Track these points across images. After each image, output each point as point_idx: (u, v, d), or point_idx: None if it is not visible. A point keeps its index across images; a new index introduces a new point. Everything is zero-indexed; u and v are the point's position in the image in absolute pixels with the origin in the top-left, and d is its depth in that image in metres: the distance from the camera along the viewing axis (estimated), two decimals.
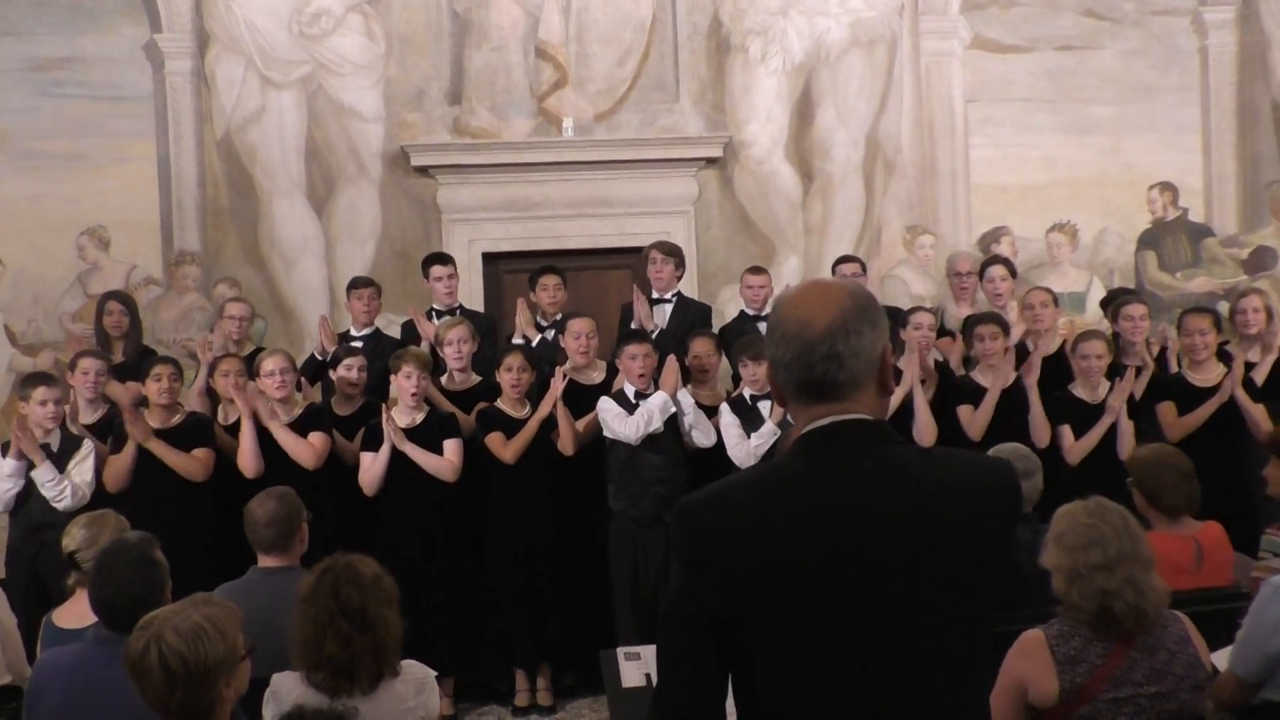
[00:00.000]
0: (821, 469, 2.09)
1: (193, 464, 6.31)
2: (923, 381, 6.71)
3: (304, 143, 8.93)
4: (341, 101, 8.93)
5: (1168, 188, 9.39)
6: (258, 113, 8.88)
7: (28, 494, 6.26)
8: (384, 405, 6.43)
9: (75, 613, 4.25)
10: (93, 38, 8.75)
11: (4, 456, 6.26)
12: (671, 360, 6.58)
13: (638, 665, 4.11)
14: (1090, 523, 3.54)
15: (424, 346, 7.08)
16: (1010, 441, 5.43)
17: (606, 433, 6.47)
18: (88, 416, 6.62)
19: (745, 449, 6.33)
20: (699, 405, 6.59)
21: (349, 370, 6.72)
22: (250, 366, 6.76)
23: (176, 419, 6.44)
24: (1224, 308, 7.21)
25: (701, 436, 6.52)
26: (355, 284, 7.72)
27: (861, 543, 2.03)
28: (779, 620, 2.03)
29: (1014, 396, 6.60)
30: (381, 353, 7.31)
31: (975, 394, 6.68)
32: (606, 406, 6.46)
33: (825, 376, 2.10)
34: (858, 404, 2.13)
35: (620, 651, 4.01)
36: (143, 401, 6.46)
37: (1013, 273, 7.79)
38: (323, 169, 8.95)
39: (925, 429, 6.51)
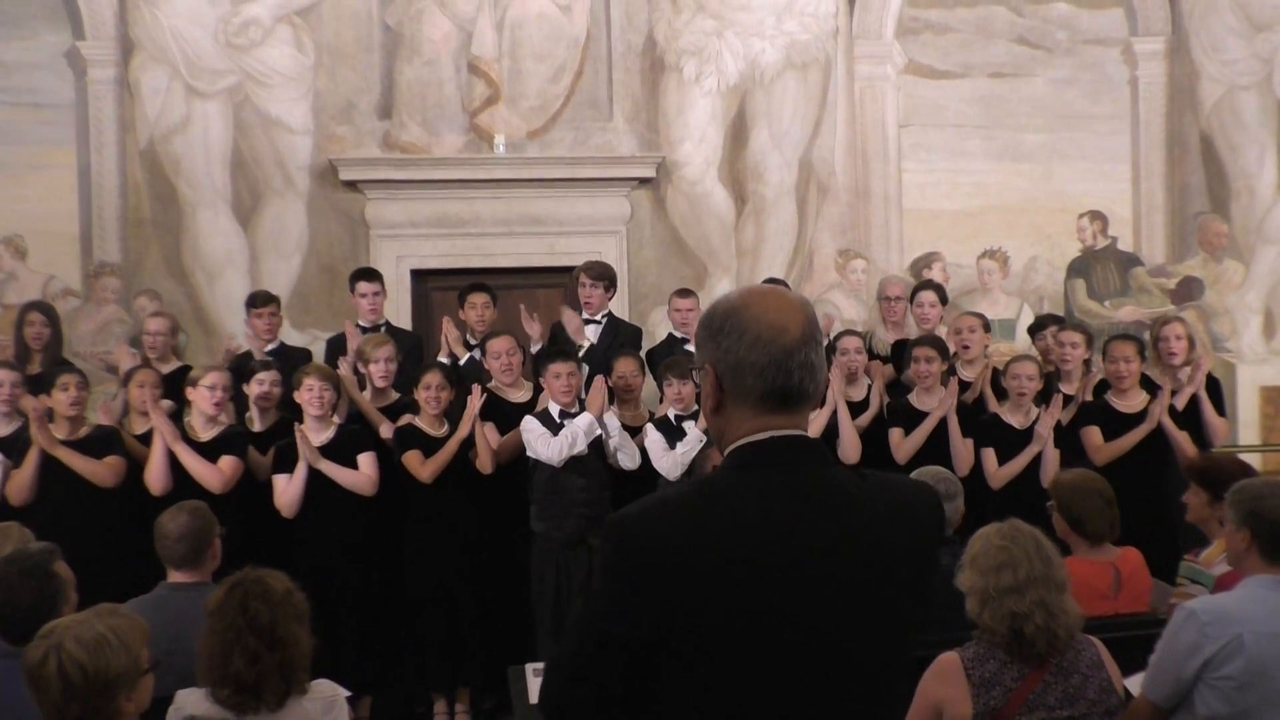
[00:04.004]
0: (758, 487, 2.07)
1: (103, 469, 6.21)
2: (852, 401, 6.81)
3: (230, 154, 8.88)
4: (269, 113, 8.90)
5: (1097, 216, 9.53)
6: (182, 123, 8.82)
7: None
8: (296, 424, 6.38)
9: None
10: (13, 44, 8.67)
11: None
12: (599, 380, 6.58)
13: None
14: (1003, 545, 3.58)
15: (349, 361, 7.07)
16: (935, 465, 5.50)
17: (530, 453, 6.47)
18: (1, 429, 6.53)
19: (671, 459, 6.36)
20: (623, 426, 6.61)
21: (262, 385, 6.66)
22: (179, 382, 6.73)
23: (84, 430, 6.36)
24: (1146, 336, 7.29)
25: (627, 459, 6.53)
26: (255, 300, 7.64)
27: (795, 563, 2.02)
28: (705, 641, 2.01)
29: (941, 421, 6.67)
30: (291, 367, 7.29)
31: (910, 417, 6.75)
32: (530, 426, 6.45)
33: (800, 386, 2.09)
34: (805, 419, 2.15)
35: (530, 667, 3.99)
36: (50, 413, 6.38)
37: (943, 299, 7.85)
38: (249, 181, 8.90)
39: (850, 448, 6.58)
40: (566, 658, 2.15)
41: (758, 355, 2.08)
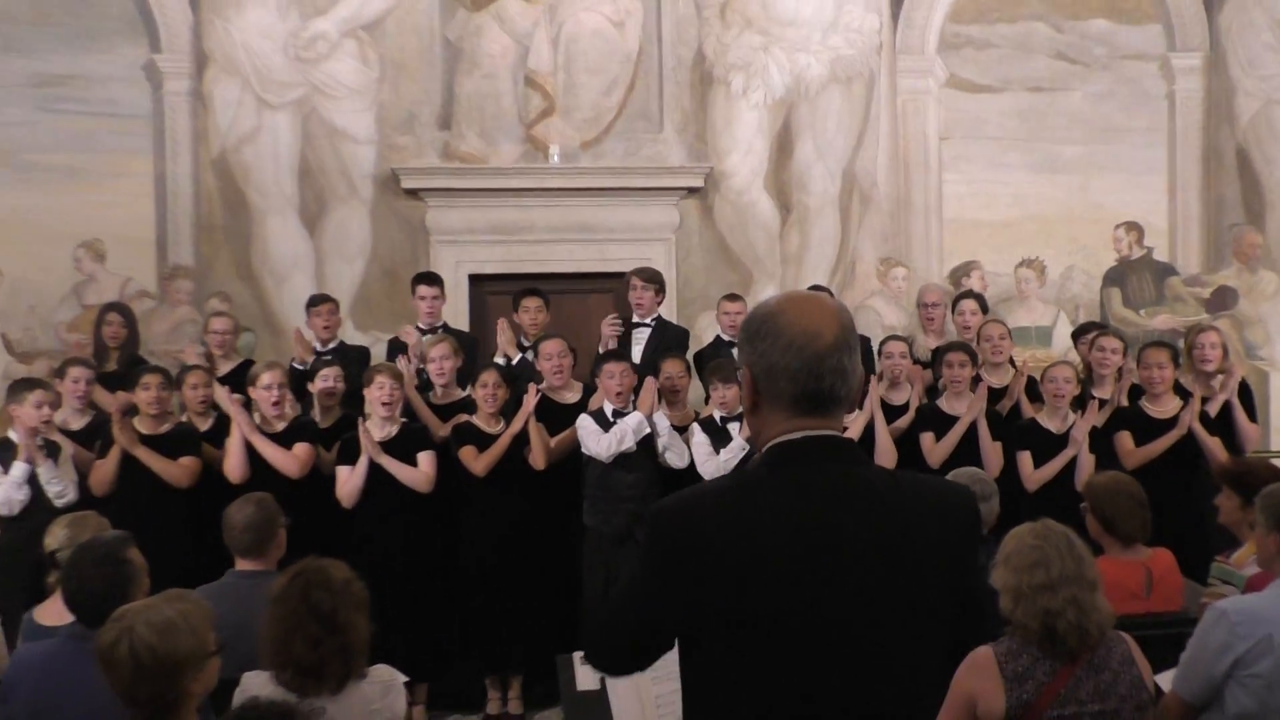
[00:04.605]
0: (792, 483, 2.08)
1: (178, 470, 6.30)
2: (900, 406, 6.81)
3: (297, 163, 8.95)
4: (334, 124, 8.96)
5: (1133, 227, 9.45)
6: (253, 133, 8.90)
7: (29, 501, 6.25)
8: (360, 419, 6.44)
9: (55, 610, 4.23)
10: (93, 56, 8.77)
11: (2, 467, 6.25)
12: (650, 381, 6.61)
13: (594, 670, 4.10)
14: (1036, 544, 3.56)
15: (411, 361, 7.11)
16: (969, 467, 5.48)
17: (583, 449, 6.49)
18: (75, 422, 6.61)
19: (715, 464, 6.35)
20: (672, 426, 6.60)
21: (325, 381, 6.73)
22: (241, 378, 6.81)
23: (165, 427, 6.44)
24: (1181, 344, 7.23)
25: (676, 458, 6.53)
26: (315, 301, 7.74)
27: (826, 559, 2.03)
28: (734, 630, 2.02)
29: (972, 425, 6.64)
30: (349, 365, 7.34)
31: (939, 422, 6.72)
32: (584, 423, 6.49)
33: (831, 390, 2.09)
34: (839, 421, 2.15)
35: (577, 655, 3.99)
36: (132, 409, 6.45)
37: (984, 308, 7.85)
38: (315, 189, 8.96)
39: (885, 453, 6.54)
40: (606, 618, 2.22)
41: (790, 360, 2.09)
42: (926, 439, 6.67)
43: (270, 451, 6.30)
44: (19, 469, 6.19)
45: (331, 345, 7.59)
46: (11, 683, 3.74)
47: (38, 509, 6.14)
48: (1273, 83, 9.53)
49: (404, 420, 6.50)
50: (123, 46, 8.81)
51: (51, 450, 6.27)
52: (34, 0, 8.73)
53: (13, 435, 6.26)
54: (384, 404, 6.37)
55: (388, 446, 6.33)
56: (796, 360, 2.08)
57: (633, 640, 2.13)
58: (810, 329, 2.09)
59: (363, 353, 7.61)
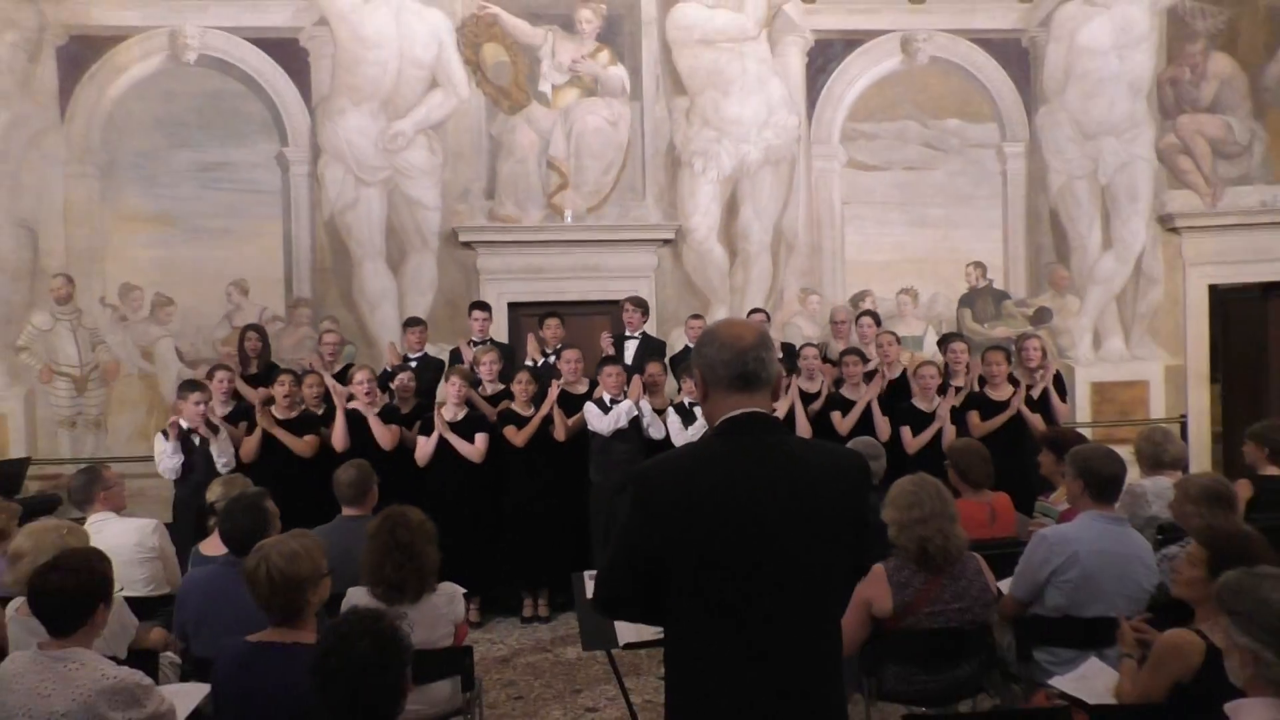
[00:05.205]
0: (735, 449, 2.09)
1: (303, 445, 6.31)
2: (816, 393, 6.80)
3: (384, 223, 8.89)
4: (411, 195, 8.91)
5: (979, 265, 9.44)
6: (353, 202, 8.84)
7: (190, 466, 6.23)
8: (435, 405, 6.44)
9: (214, 545, 4.24)
10: (240, 149, 8.73)
11: (165, 440, 6.23)
12: (637, 378, 6.62)
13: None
14: (913, 490, 3.58)
15: (466, 364, 7.11)
16: (865, 435, 5.48)
17: (589, 427, 6.47)
18: (221, 411, 6.59)
19: (685, 437, 6.36)
20: (653, 410, 6.60)
21: (400, 381, 6.78)
22: (343, 378, 6.82)
23: (293, 413, 6.43)
24: (1013, 347, 7.23)
25: (656, 431, 6.53)
26: (409, 323, 7.75)
27: (761, 502, 2.03)
28: (696, 554, 2.03)
29: (867, 411, 6.66)
30: (429, 369, 7.33)
31: (842, 404, 6.73)
32: (589, 409, 6.49)
33: (755, 373, 2.11)
34: (765, 400, 2.15)
35: (586, 574, 4.00)
36: (269, 400, 6.45)
37: (878, 322, 7.86)
38: (397, 242, 8.92)
39: (803, 428, 6.54)
40: (606, 564, 2.18)
41: (724, 355, 2.13)
42: (835, 416, 6.67)
43: (378, 427, 6.34)
44: (171, 446, 6.17)
45: (417, 355, 7.55)
46: (183, 597, 3.75)
47: (196, 472, 6.14)
48: (1073, 164, 9.52)
49: (469, 408, 6.49)
50: (261, 142, 8.77)
51: (214, 431, 6.26)
52: (198, 109, 8.68)
53: (182, 423, 6.23)
54: (456, 395, 6.37)
55: (456, 426, 6.33)
56: (728, 354, 2.12)
57: (627, 571, 2.10)
58: (735, 334, 2.15)
59: (439, 363, 7.58)
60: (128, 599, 3.87)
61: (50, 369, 8.54)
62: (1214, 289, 9.66)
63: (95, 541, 3.84)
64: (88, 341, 8.58)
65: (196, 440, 6.21)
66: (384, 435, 6.31)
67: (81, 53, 8.59)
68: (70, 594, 2.83)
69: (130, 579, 4.44)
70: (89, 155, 8.59)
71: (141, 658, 3.48)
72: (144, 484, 7.55)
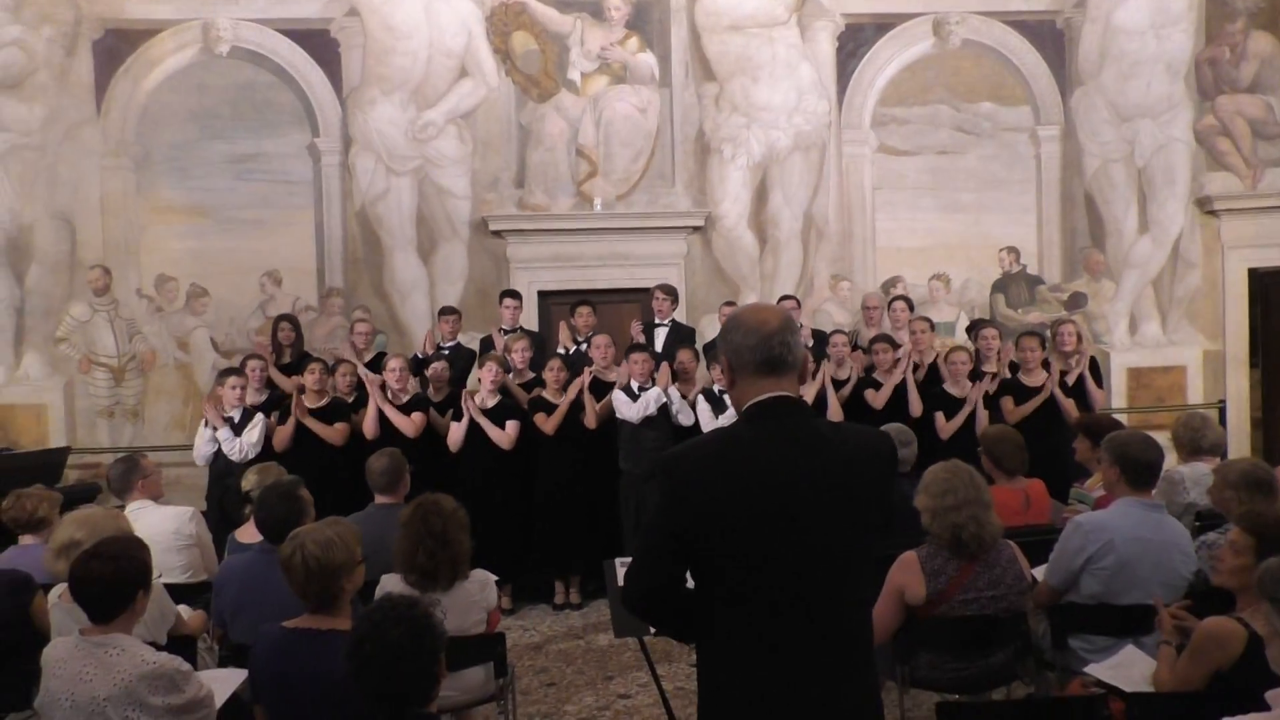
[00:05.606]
0: (763, 433, 2.08)
1: (333, 433, 6.37)
2: (845, 380, 6.76)
3: (415, 213, 8.92)
4: (441, 185, 8.93)
5: (1012, 250, 9.35)
6: (383, 192, 8.88)
7: (219, 452, 6.31)
8: (466, 392, 6.47)
9: (249, 532, 4.28)
10: (272, 140, 8.79)
11: (205, 427, 6.34)
12: (665, 365, 6.61)
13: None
14: (946, 476, 3.55)
15: (499, 352, 7.13)
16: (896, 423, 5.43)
17: (618, 415, 6.47)
18: (254, 398, 6.65)
19: (715, 425, 6.31)
20: (682, 397, 6.59)
21: (434, 370, 6.80)
22: (376, 366, 6.86)
23: (324, 401, 6.48)
24: (1047, 333, 7.16)
25: (685, 418, 6.52)
26: (444, 311, 7.74)
27: (789, 486, 2.02)
28: (724, 538, 2.02)
29: (900, 388, 6.63)
30: (461, 358, 7.35)
31: (875, 386, 6.72)
32: (617, 396, 6.49)
33: (780, 356, 2.10)
34: (792, 384, 2.13)
35: (617, 561, 4.00)
36: (301, 389, 6.50)
37: (911, 307, 7.80)
38: (428, 231, 8.95)
39: (835, 411, 6.51)
40: (639, 544, 2.18)
41: (748, 338, 2.12)
42: (870, 394, 6.66)
43: (397, 418, 6.33)
44: (207, 432, 6.25)
45: (450, 344, 7.58)
46: (221, 583, 3.79)
47: (218, 461, 6.28)
48: (1108, 147, 9.39)
49: (502, 395, 6.51)
50: (292, 133, 8.83)
51: (246, 419, 6.34)
52: (231, 101, 8.75)
53: (227, 408, 6.36)
54: (491, 381, 6.41)
55: (489, 412, 6.35)
56: (753, 339, 2.11)
57: (659, 557, 2.09)
58: (761, 319, 2.13)
59: (470, 353, 7.59)
60: (165, 585, 3.92)
61: (89, 359, 8.66)
62: (1253, 272, 9.50)
63: (134, 529, 3.88)
64: (125, 332, 8.69)
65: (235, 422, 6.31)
66: (405, 424, 6.34)
67: (117, 46, 8.68)
68: (110, 581, 2.87)
69: (168, 566, 4.50)
70: (124, 148, 8.69)
71: (180, 644, 3.53)
72: (180, 473, 7.66)
